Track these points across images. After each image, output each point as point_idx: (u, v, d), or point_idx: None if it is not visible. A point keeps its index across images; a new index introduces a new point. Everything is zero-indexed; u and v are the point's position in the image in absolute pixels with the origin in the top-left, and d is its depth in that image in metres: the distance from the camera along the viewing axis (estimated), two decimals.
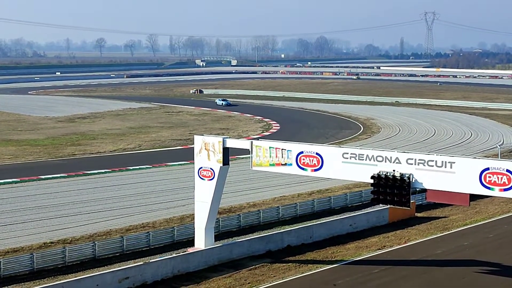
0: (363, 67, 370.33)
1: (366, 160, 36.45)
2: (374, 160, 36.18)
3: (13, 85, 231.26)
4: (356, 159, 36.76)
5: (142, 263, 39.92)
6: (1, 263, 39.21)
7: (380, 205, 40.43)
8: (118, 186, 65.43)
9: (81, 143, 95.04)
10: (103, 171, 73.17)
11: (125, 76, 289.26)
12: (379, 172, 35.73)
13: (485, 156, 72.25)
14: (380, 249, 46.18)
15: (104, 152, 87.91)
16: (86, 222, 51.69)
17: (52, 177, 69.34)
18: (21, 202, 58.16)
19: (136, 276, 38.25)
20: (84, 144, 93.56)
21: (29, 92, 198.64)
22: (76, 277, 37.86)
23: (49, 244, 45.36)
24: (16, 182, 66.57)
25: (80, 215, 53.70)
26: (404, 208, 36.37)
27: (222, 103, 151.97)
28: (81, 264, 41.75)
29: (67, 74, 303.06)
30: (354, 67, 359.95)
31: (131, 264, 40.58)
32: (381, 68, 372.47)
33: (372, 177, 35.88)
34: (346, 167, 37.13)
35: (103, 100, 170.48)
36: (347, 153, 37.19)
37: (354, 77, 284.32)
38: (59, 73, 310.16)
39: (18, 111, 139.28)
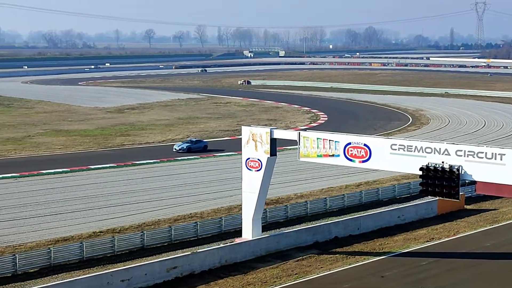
0: (412, 58, 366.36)
1: (414, 151, 36.08)
2: (423, 152, 35.78)
3: (63, 76, 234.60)
4: (404, 150, 36.41)
5: (190, 253, 40.18)
6: (52, 251, 39.88)
7: (429, 197, 40.00)
8: (167, 176, 65.93)
9: (130, 133, 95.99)
10: (151, 161, 73.80)
11: (173, 67, 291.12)
12: (428, 163, 35.31)
13: None
14: (428, 241, 45.72)
15: (153, 142, 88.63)
16: (134, 212, 52.23)
17: (102, 167, 70.22)
18: (71, 191, 59.02)
19: (184, 265, 38.52)
20: (133, 135, 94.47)
21: (79, 83, 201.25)
22: (125, 266, 38.33)
23: (98, 234, 45.95)
24: (66, 172, 67.56)
25: (128, 205, 54.28)
26: (453, 200, 35.94)
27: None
28: (130, 253, 42.22)
29: (117, 65, 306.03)
30: (403, 57, 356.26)
31: (179, 253, 40.91)
32: (430, 59, 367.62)
33: (421, 169, 35.49)
34: (394, 158, 36.80)
35: (152, 91, 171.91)
36: (396, 145, 36.86)
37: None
38: (108, 64, 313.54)
39: (68, 102, 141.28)
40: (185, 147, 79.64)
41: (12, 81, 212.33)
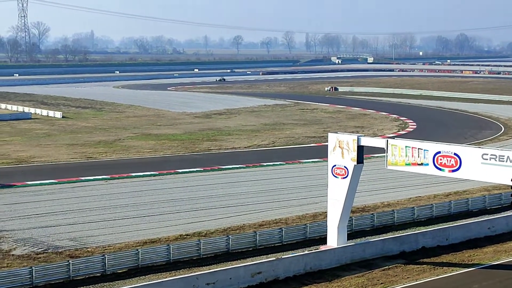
0: (505, 66, 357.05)
1: (507, 161, 35.06)
2: None
3: (153, 81, 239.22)
4: (496, 160, 35.44)
5: (274, 258, 40.18)
6: (140, 253, 40.60)
7: None
8: (252, 182, 66.25)
9: (216, 138, 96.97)
10: (237, 166, 74.33)
11: (260, 73, 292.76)
12: None
13: None
14: None
15: (239, 147, 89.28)
16: (220, 216, 52.65)
17: (189, 171, 71.16)
18: (159, 194, 60.02)
19: (268, 271, 38.55)
20: (220, 140, 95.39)
21: (168, 88, 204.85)
22: (210, 269, 38.64)
23: (185, 236, 46.52)
24: (154, 175, 68.76)
25: (214, 209, 54.77)
26: None
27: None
28: (215, 257, 42.54)
29: (205, 70, 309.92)
30: (495, 65, 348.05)
31: (263, 259, 40.97)
32: None
33: None
34: (486, 168, 35.85)
35: (239, 96, 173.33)
36: (487, 154, 35.92)
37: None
38: (197, 70, 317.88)
39: (158, 107, 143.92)
40: None
41: (104, 85, 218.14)
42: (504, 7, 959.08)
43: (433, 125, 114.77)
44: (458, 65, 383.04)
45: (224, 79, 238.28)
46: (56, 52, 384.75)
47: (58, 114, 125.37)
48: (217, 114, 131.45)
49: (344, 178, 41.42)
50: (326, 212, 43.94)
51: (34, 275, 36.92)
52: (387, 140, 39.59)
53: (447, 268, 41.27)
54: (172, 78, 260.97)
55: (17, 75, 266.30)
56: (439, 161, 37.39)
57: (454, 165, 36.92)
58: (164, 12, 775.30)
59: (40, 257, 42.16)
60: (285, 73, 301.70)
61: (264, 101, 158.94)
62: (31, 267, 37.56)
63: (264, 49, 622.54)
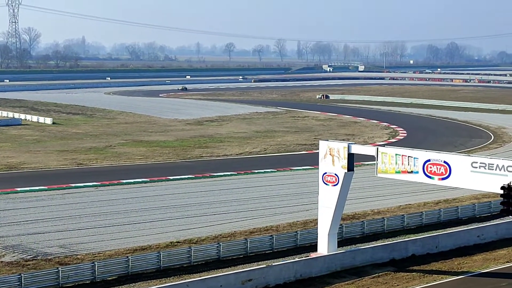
0: (495, 75, 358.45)
1: (496, 170, 35.24)
2: (504, 170, 34.91)
3: (145, 88, 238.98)
4: (485, 168, 35.62)
5: (265, 266, 40.24)
6: (130, 260, 40.54)
7: (510, 216, 39.01)
8: (243, 189, 66.28)
9: (208, 145, 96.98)
10: (229, 173, 74.36)
11: (252, 81, 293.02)
12: (510, 182, 34.35)
13: None
14: (508, 261, 44.52)
15: (231, 155, 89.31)
16: (211, 223, 52.65)
17: (180, 178, 71.13)
18: (150, 201, 59.97)
19: (259, 278, 38.58)
20: (211, 147, 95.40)
21: (160, 95, 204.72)
22: (200, 276, 38.63)
23: (176, 244, 46.48)
24: (145, 182, 68.70)
25: (205, 216, 54.76)
26: None
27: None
28: (206, 264, 42.53)
29: (197, 77, 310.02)
30: (485, 74, 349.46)
31: (254, 266, 41.02)
32: None
33: (502, 188, 34.57)
34: (475, 176, 36.03)
35: (231, 103, 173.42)
36: (476, 162, 36.10)
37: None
38: (189, 76, 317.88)
39: (149, 113, 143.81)
40: None
41: (95, 91, 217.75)
42: (494, 16, 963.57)
43: (423, 133, 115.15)
44: (448, 73, 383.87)
45: (186, 88, 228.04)
46: (47, 58, 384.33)
47: (49, 120, 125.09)
48: (209, 121, 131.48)
49: (334, 185, 41.53)
50: (317, 220, 44.04)
51: (23, 282, 36.80)
52: (378, 148, 39.74)
53: (436, 275, 41.38)
54: (164, 84, 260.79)
55: (8, 80, 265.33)
56: (429, 169, 37.54)
57: (444, 173, 37.08)
58: (156, 18, 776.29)
59: (29, 264, 42.04)
60: (276, 80, 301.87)
61: (255, 108, 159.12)
62: (20, 274, 37.45)
63: (256, 56, 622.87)
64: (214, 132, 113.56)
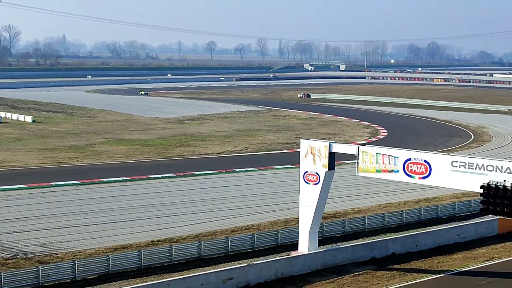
0: (475, 74, 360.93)
1: (476, 169, 35.45)
2: (484, 169, 35.13)
3: (126, 86, 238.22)
4: (465, 167, 35.83)
5: (246, 264, 40.26)
6: (110, 259, 40.40)
7: (490, 215, 39.28)
8: (225, 188, 66.26)
9: (189, 144, 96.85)
10: (210, 172, 74.30)
11: (234, 79, 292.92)
12: (489, 181, 34.64)
13: None
14: (488, 260, 44.85)
15: (212, 153, 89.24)
16: (192, 222, 52.58)
17: (161, 176, 70.97)
18: (130, 200, 59.79)
19: (240, 277, 38.60)
20: (193, 145, 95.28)
21: (141, 93, 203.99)
22: (181, 275, 38.60)
23: (156, 242, 46.37)
24: (126, 181, 68.48)
25: (186, 215, 54.69)
26: None
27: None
28: (187, 263, 42.48)
29: (178, 76, 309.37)
30: (466, 73, 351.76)
31: (235, 265, 41.01)
32: (494, 75, 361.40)
33: (482, 187, 34.83)
34: (455, 175, 36.22)
35: (212, 102, 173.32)
36: (456, 161, 36.30)
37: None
38: (170, 75, 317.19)
39: (130, 112, 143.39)
40: None
41: (76, 89, 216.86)
42: (474, 16, 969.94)
43: (404, 133, 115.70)
44: (429, 73, 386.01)
45: (147, 94, 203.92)
46: (27, 55, 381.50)
47: (29, 119, 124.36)
48: (190, 119, 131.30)
49: (315, 184, 41.61)
50: (298, 218, 44.10)
51: (2, 281, 36.53)
52: (358, 147, 39.86)
53: (416, 274, 41.59)
54: (145, 83, 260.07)
55: None
56: (409, 168, 37.71)
57: (424, 172, 37.26)
58: (137, 17, 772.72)
59: (9, 263, 41.75)
60: (258, 79, 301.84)
61: (237, 107, 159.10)
62: None
63: (238, 55, 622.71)
64: (195, 130, 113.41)
